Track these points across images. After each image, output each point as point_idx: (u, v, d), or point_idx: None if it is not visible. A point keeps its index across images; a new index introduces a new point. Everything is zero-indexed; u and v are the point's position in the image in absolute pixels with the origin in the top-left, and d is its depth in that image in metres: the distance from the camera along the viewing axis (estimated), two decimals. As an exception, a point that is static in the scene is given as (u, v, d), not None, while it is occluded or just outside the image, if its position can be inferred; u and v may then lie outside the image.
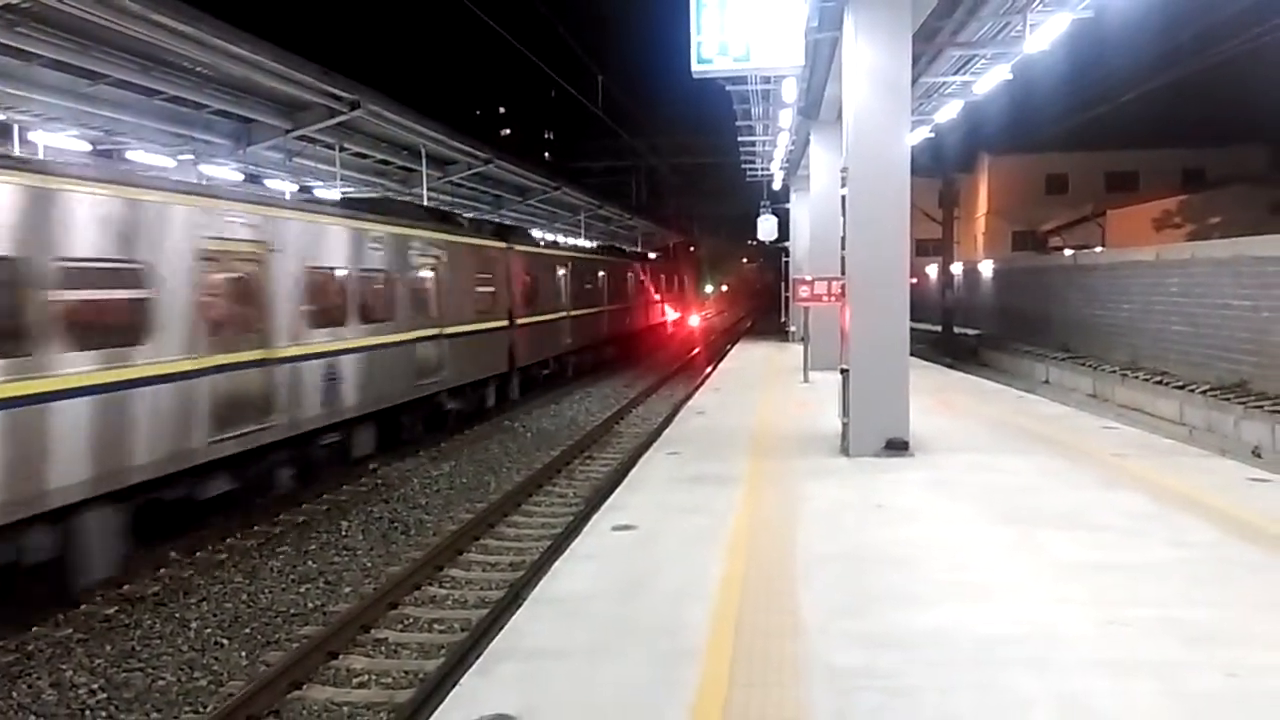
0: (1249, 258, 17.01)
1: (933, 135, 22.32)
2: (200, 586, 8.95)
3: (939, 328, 35.02)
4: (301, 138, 16.49)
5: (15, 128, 12.99)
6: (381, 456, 14.29)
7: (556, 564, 6.73)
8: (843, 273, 10.64)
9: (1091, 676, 4.55)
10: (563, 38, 21.65)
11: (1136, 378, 19.93)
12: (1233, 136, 43.08)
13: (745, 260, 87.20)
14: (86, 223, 8.39)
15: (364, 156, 19.96)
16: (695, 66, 10.23)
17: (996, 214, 49.06)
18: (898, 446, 9.99)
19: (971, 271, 39.88)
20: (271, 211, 11.58)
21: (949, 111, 18.78)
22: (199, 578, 9.19)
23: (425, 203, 20.54)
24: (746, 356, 25.73)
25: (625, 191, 52.45)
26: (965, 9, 13.13)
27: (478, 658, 5.13)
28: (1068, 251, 31.76)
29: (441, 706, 4.49)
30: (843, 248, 10.60)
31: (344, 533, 10.87)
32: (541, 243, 25.93)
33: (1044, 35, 12.73)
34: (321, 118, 15.62)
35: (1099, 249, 31.32)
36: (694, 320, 51.78)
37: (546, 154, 76.56)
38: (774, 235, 33.45)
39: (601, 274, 30.38)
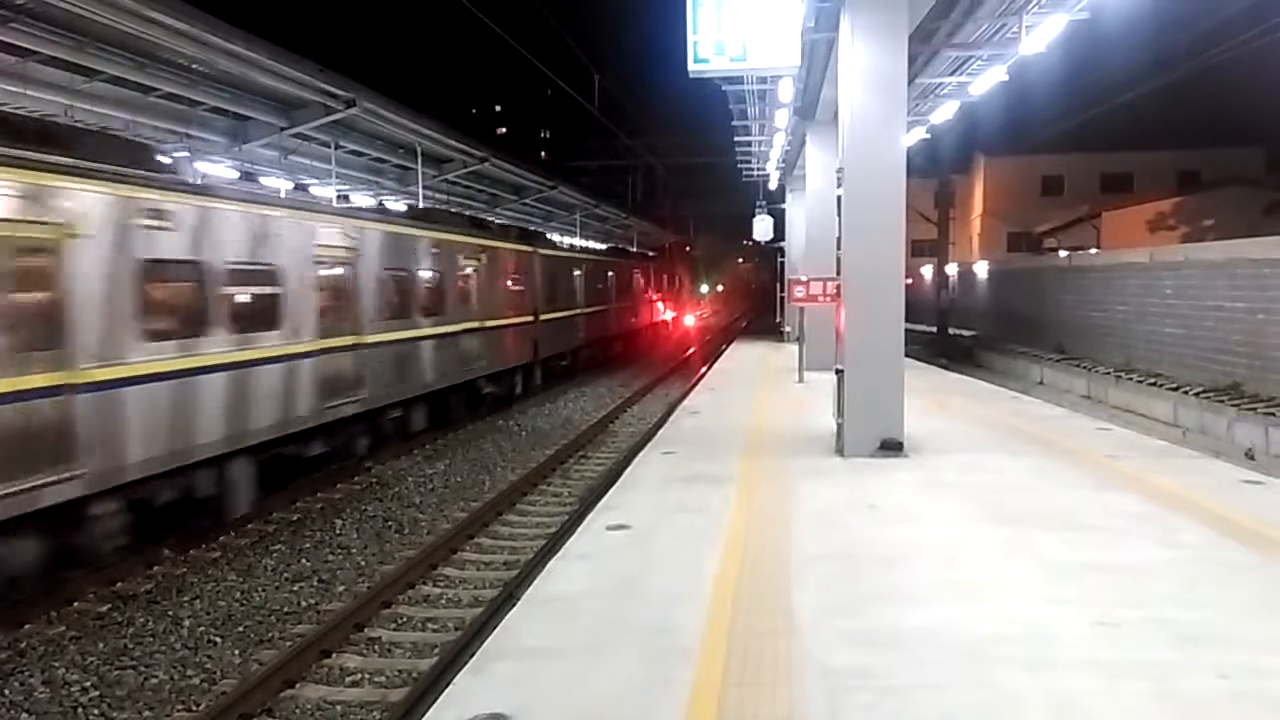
0: (1243, 260, 17.05)
1: (929, 136, 22.34)
2: (193, 584, 8.94)
3: (934, 329, 35.04)
4: (297, 135, 16.46)
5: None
6: (376, 455, 14.29)
7: (551, 563, 6.73)
8: (838, 273, 10.66)
9: (1083, 676, 4.56)
10: (560, 36, 21.64)
11: (1130, 379, 19.97)
12: (1227, 139, 43.22)
13: (741, 260, 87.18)
14: (240, 234, 10.75)
15: (360, 154, 19.93)
16: (692, 66, 10.25)
17: (992, 215, 49.17)
18: (892, 447, 10.00)
19: (967, 273, 39.94)
20: (359, 223, 13.99)
21: (945, 112, 18.80)
22: (192, 575, 9.17)
23: (420, 202, 20.62)
24: (742, 356, 25.75)
25: (621, 191, 52.42)
26: (962, 10, 13.15)
27: (471, 657, 5.14)
28: (1063, 253, 31.85)
29: (435, 705, 4.49)
30: (838, 248, 10.63)
31: (338, 531, 10.86)
32: (560, 246, 27.94)
33: (1040, 37, 12.75)
34: (317, 115, 15.59)
35: (1094, 250, 31.45)
36: (690, 320, 51.84)
37: (543, 153, 76.53)
38: (770, 235, 33.40)
39: (610, 274, 32.51)
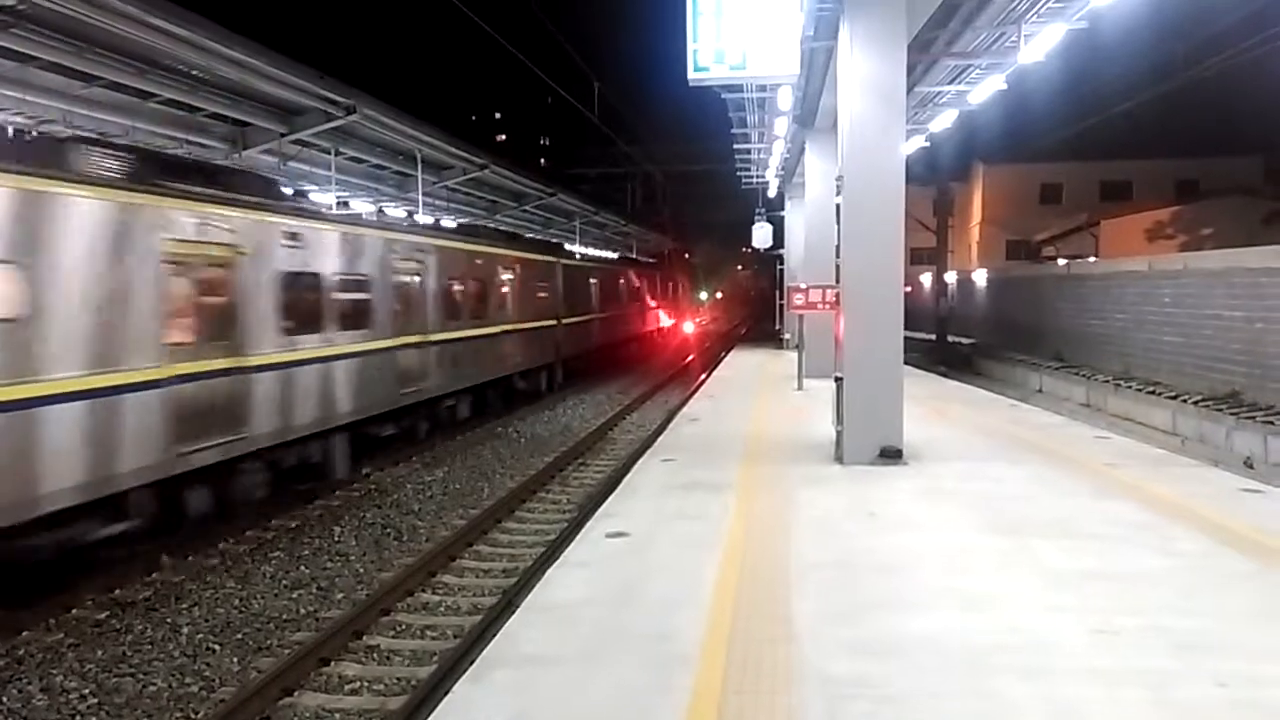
0: (1241, 269, 17.09)
1: (928, 144, 22.37)
2: (192, 592, 8.92)
3: (933, 336, 35.08)
4: (297, 142, 16.49)
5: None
6: (374, 462, 14.30)
7: (550, 571, 6.73)
8: (837, 281, 10.67)
9: (1082, 684, 4.57)
10: (560, 44, 21.70)
11: (1129, 388, 19.99)
12: (1226, 148, 43.30)
13: (740, 268, 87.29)
14: (342, 250, 13.09)
15: (359, 161, 19.97)
16: (691, 74, 10.26)
17: (991, 223, 49.24)
18: (891, 455, 10.01)
19: (966, 280, 40.00)
20: (423, 239, 16.24)
21: (944, 121, 18.86)
22: (190, 583, 9.15)
23: (420, 209, 20.67)
24: (741, 364, 25.76)
25: (620, 198, 52.48)
26: (960, 19, 13.20)
27: (470, 665, 5.13)
28: (1061, 261, 31.88)
29: (434, 714, 4.49)
30: (837, 256, 10.63)
31: (337, 538, 10.85)
32: (578, 256, 30.30)
33: (1039, 46, 12.79)
34: (317, 122, 15.63)
35: (1092, 259, 31.48)
36: (689, 327, 51.91)
37: (542, 160, 76.70)
38: (769, 243, 33.43)
39: (621, 282, 34.91)
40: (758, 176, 31.94)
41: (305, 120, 15.60)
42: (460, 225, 21.85)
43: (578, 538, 7.61)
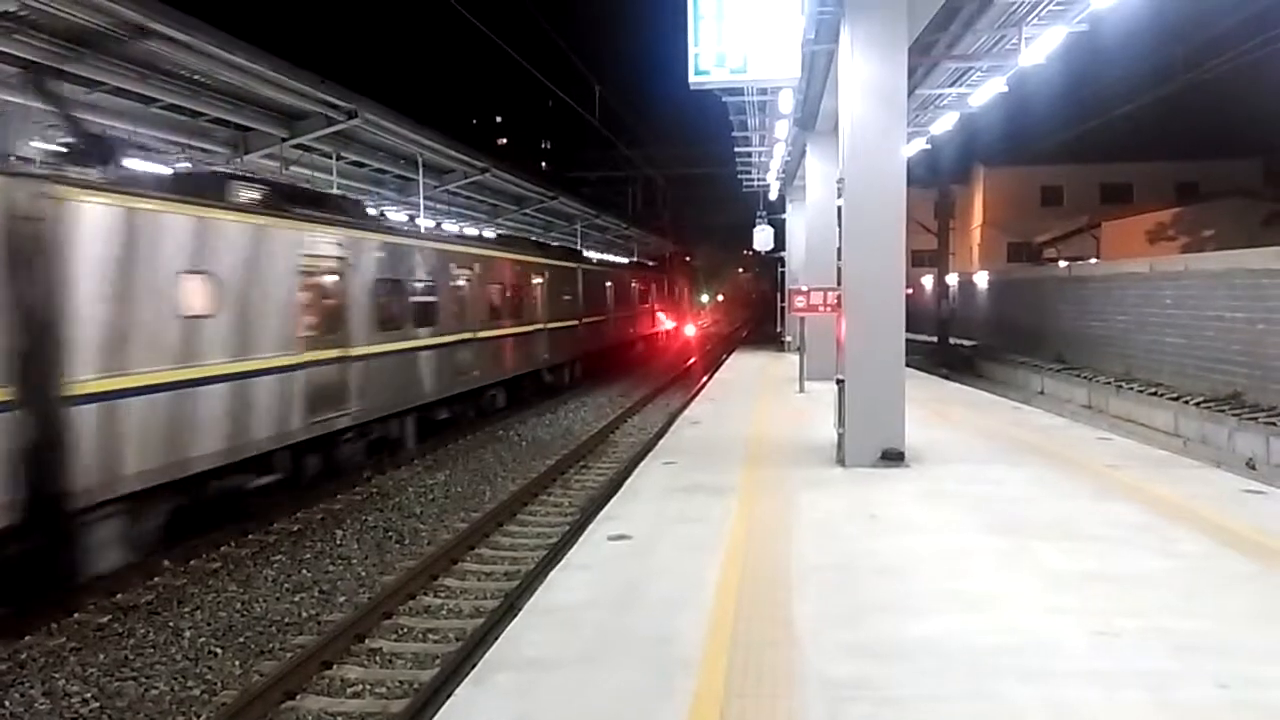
0: (1243, 270, 17.09)
1: (928, 147, 22.41)
2: (194, 595, 8.93)
3: (934, 339, 35.07)
4: (299, 146, 16.53)
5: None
6: (375, 465, 14.31)
7: (552, 574, 6.74)
8: (839, 283, 10.68)
9: (1083, 686, 4.57)
10: (560, 48, 21.73)
11: (1131, 389, 19.98)
12: (1226, 150, 43.29)
13: (741, 270, 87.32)
14: (415, 261, 15.63)
15: (361, 165, 20.01)
16: (692, 78, 10.28)
17: (992, 225, 49.22)
18: (893, 457, 10.01)
19: (967, 283, 39.99)
20: (473, 249, 19.00)
21: (945, 123, 18.87)
22: (193, 586, 9.16)
23: (421, 212, 20.75)
24: (742, 366, 25.76)
25: (621, 201, 52.50)
26: (961, 22, 13.21)
27: (473, 668, 5.14)
28: (1062, 263, 31.87)
29: (437, 717, 4.50)
30: (839, 258, 10.65)
31: (339, 541, 10.85)
32: (595, 261, 32.42)
33: (1039, 48, 12.81)
34: (319, 126, 15.67)
35: (1093, 261, 31.47)
36: (691, 329, 51.95)
37: (543, 163, 76.72)
38: (770, 246, 33.44)
39: (634, 284, 37.06)
40: (759, 179, 31.97)
41: (307, 125, 15.64)
42: (498, 236, 24.68)
43: (579, 540, 7.62)
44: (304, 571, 9.74)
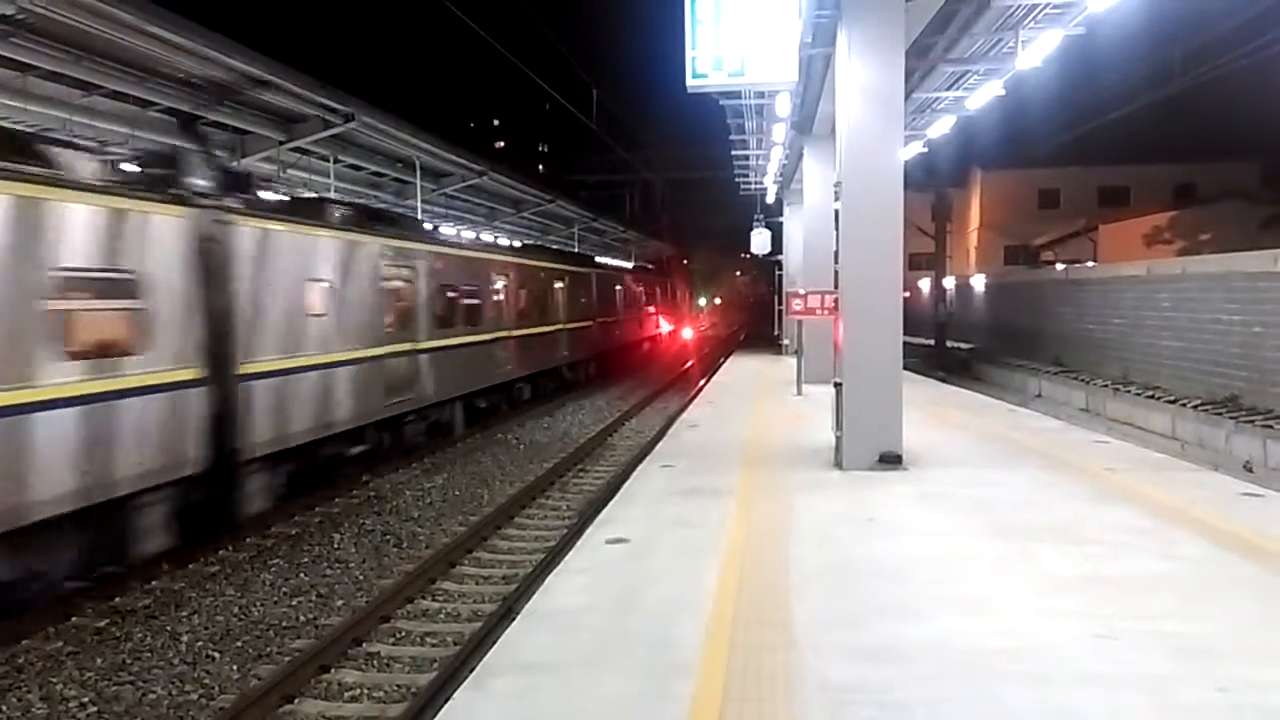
0: (1240, 273, 17.11)
1: (926, 150, 22.40)
2: (191, 599, 8.91)
3: (932, 342, 35.10)
4: (296, 149, 16.52)
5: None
6: (373, 468, 14.30)
7: (550, 578, 6.72)
8: (836, 286, 10.68)
9: (1082, 690, 4.57)
10: (558, 51, 21.77)
11: (1128, 392, 20.01)
12: (1224, 153, 43.33)
13: (739, 273, 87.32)
14: (466, 268, 18.17)
15: (358, 168, 20.00)
16: (690, 81, 10.29)
17: (989, 228, 49.26)
18: (890, 460, 10.02)
19: (964, 286, 40.01)
20: (509, 257, 21.43)
21: (942, 126, 18.88)
22: (190, 590, 9.15)
23: (419, 214, 20.71)
24: (740, 369, 25.77)
25: (619, 205, 52.56)
26: (958, 26, 13.22)
27: (471, 672, 5.13)
28: (1060, 266, 31.90)
29: (434, 720, 4.48)
30: (836, 261, 10.64)
31: (336, 545, 10.84)
32: (604, 265, 34.00)
33: (1036, 51, 12.82)
34: (316, 129, 15.66)
35: (1091, 264, 31.49)
36: (688, 332, 51.98)
37: (541, 167, 76.76)
38: (768, 249, 33.46)
39: (639, 287, 39.00)
40: (756, 183, 31.98)
41: (304, 128, 15.62)
42: (528, 244, 27.25)
43: (578, 544, 7.60)
44: (302, 575, 9.72)
